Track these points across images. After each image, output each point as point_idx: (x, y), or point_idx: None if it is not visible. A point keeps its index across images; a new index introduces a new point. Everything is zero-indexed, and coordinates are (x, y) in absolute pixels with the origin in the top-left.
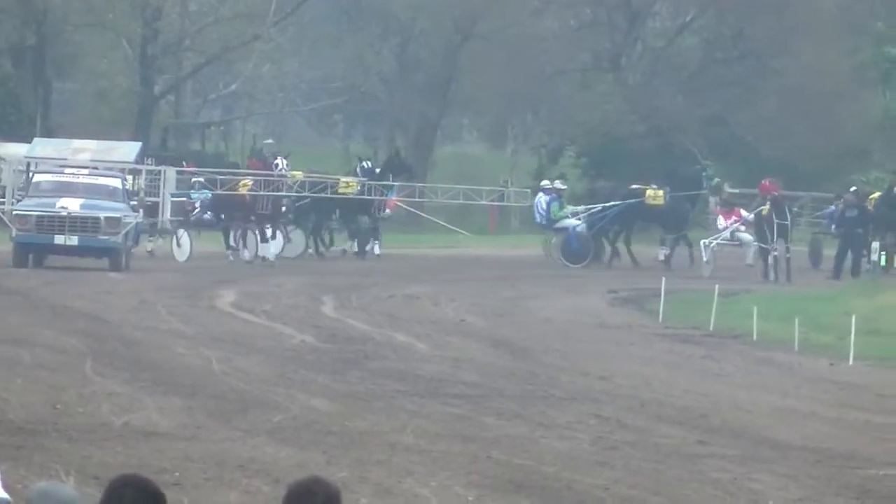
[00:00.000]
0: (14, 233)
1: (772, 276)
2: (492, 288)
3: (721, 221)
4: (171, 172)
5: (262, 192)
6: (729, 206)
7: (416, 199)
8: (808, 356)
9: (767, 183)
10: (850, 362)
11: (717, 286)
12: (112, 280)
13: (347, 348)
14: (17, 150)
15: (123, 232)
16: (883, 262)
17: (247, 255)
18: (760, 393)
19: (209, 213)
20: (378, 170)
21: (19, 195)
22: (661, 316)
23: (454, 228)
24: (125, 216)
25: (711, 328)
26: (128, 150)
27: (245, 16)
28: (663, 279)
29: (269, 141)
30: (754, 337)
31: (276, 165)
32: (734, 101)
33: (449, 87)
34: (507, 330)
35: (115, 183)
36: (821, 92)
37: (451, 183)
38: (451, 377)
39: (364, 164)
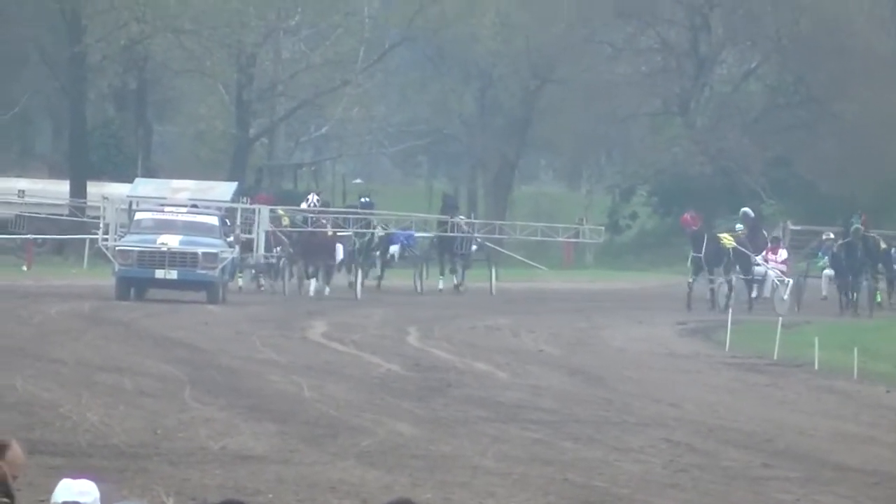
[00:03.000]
0: (117, 267)
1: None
2: (568, 319)
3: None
4: (264, 211)
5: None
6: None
7: (497, 236)
8: (867, 384)
9: (689, 217)
10: None
11: (780, 318)
12: (209, 312)
13: (431, 376)
14: (119, 189)
15: (220, 266)
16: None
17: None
18: (821, 419)
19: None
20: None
21: (122, 232)
22: (727, 346)
23: (532, 263)
24: (222, 251)
25: (775, 357)
26: (224, 189)
27: (334, 63)
28: (730, 311)
29: (358, 181)
30: (816, 366)
31: (308, 201)
32: (796, 142)
33: (527, 130)
34: (583, 359)
35: (212, 220)
36: (878, 133)
37: (529, 220)
38: (529, 404)
39: (363, 199)
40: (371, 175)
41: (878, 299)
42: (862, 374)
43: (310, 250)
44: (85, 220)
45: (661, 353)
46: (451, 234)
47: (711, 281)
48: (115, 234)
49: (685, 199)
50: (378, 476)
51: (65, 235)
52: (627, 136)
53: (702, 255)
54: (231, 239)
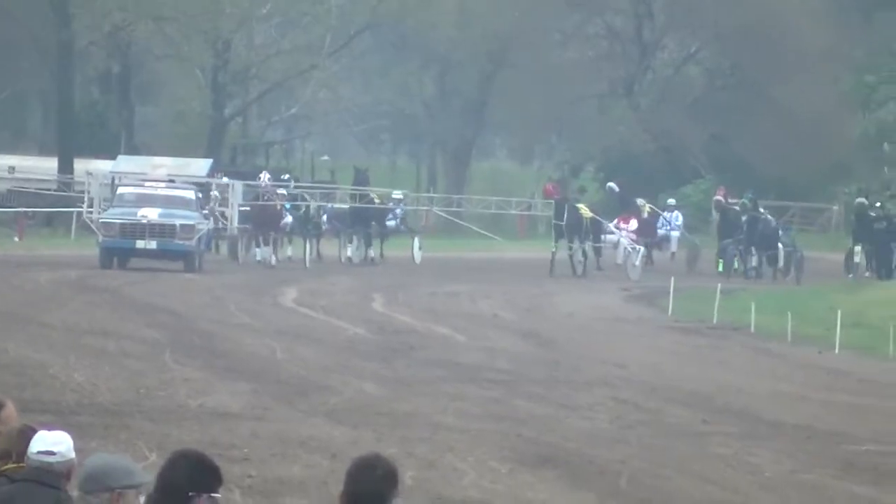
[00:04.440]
0: (101, 238)
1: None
2: (521, 287)
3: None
4: (238, 186)
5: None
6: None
7: (455, 209)
8: (800, 346)
9: (550, 187)
10: (837, 351)
11: (719, 285)
12: (187, 280)
13: (395, 339)
14: (103, 166)
15: (197, 237)
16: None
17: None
18: (758, 378)
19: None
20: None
21: (105, 205)
22: (670, 310)
23: (488, 234)
24: (198, 223)
25: (715, 321)
26: (200, 165)
27: (303, 48)
28: (672, 278)
29: (326, 157)
30: (752, 329)
31: (260, 179)
32: (733, 123)
33: (483, 111)
34: (535, 323)
35: (189, 195)
36: (809, 115)
37: (486, 194)
38: (486, 365)
39: (283, 177)
40: (337, 152)
41: (736, 266)
42: (795, 337)
43: (259, 222)
44: (72, 194)
45: (608, 317)
46: (364, 206)
47: (570, 248)
48: (99, 207)
49: (630, 175)
50: (345, 432)
51: (53, 208)
52: (576, 116)
53: (563, 223)
54: (206, 211)
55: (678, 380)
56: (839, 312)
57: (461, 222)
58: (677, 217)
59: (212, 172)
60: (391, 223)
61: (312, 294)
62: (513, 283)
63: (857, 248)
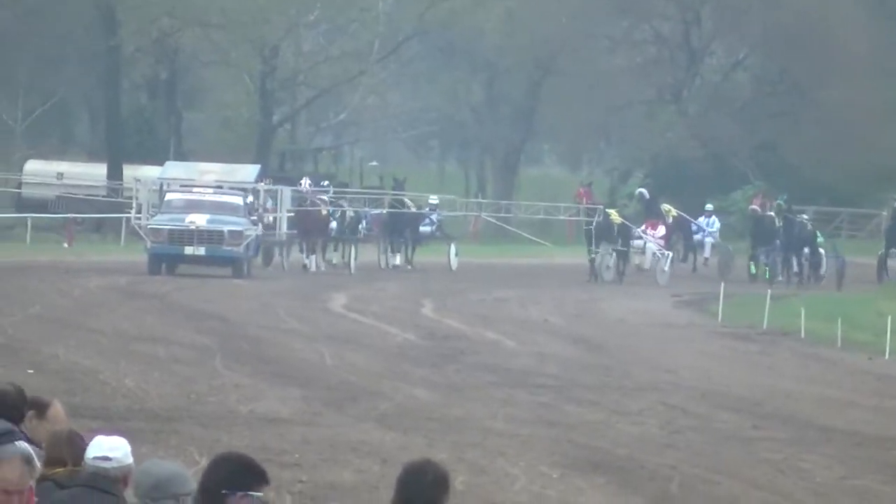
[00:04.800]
0: (149, 244)
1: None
2: (571, 292)
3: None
4: (286, 191)
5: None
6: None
7: (503, 214)
8: (849, 352)
9: (582, 191)
10: (886, 357)
11: (769, 291)
12: (236, 286)
13: (444, 345)
14: (151, 172)
15: (245, 243)
16: None
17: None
18: (807, 384)
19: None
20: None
21: (153, 211)
22: (720, 316)
23: (537, 240)
24: (246, 230)
25: (765, 327)
26: (248, 171)
27: (352, 55)
28: (722, 284)
29: (374, 163)
30: (802, 334)
31: (300, 185)
32: (781, 129)
33: (531, 117)
34: (585, 329)
35: (237, 200)
36: (857, 120)
37: (534, 200)
38: (535, 370)
39: (323, 183)
40: (386, 158)
41: (767, 276)
42: (845, 343)
43: (303, 228)
44: (121, 200)
45: (658, 323)
46: (399, 211)
47: (598, 253)
48: (148, 213)
49: (679, 181)
50: (395, 437)
51: (102, 214)
52: (624, 122)
53: (593, 227)
54: (254, 217)
55: (728, 385)
56: (889, 318)
57: (510, 228)
58: (714, 223)
59: (259, 178)
60: (426, 229)
61: (362, 300)
62: (562, 289)
63: (893, 251)
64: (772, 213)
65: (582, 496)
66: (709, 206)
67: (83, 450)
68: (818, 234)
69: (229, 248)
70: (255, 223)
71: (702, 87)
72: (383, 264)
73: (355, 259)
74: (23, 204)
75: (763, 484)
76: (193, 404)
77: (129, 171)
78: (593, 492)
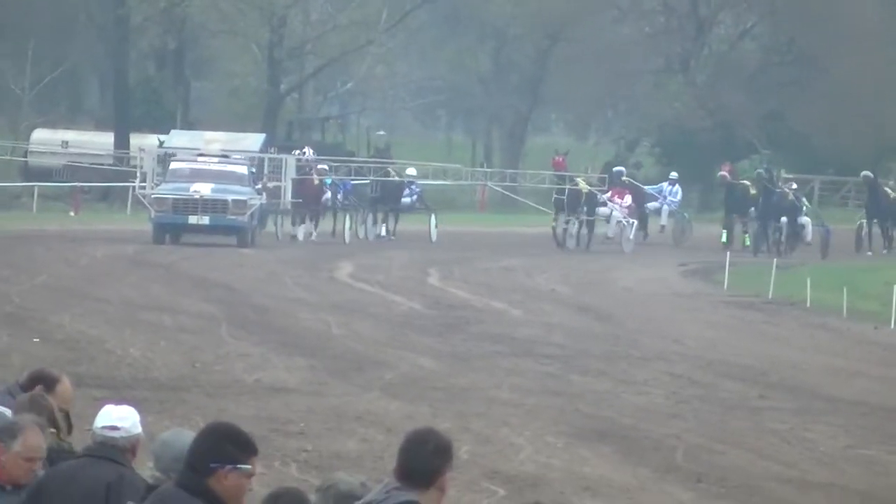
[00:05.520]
0: (153, 214)
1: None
2: (577, 261)
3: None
4: (291, 160)
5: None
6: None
7: (510, 184)
8: (855, 321)
9: (560, 160)
10: (892, 326)
11: (775, 260)
12: (242, 255)
13: (450, 314)
14: (155, 140)
15: (249, 213)
16: None
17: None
18: (813, 353)
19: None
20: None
21: (157, 180)
22: (725, 286)
23: (544, 209)
24: (250, 199)
25: (770, 296)
26: (253, 140)
27: (359, 24)
28: (728, 253)
29: (381, 133)
30: (808, 304)
31: (304, 154)
32: (789, 98)
33: (539, 86)
34: (592, 298)
35: (242, 170)
36: (865, 90)
37: (541, 170)
38: (542, 339)
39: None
40: (393, 128)
41: (747, 243)
42: (851, 312)
43: (298, 197)
44: (127, 169)
45: (665, 292)
46: (383, 180)
47: (567, 221)
48: (153, 182)
49: (686, 151)
50: (401, 406)
51: (109, 183)
52: (632, 92)
53: (564, 197)
54: (259, 187)
55: (734, 355)
56: (895, 288)
57: (517, 197)
58: (677, 192)
59: (265, 147)
60: (405, 200)
61: (368, 269)
62: (569, 258)
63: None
64: (745, 182)
65: (587, 465)
66: (673, 175)
67: (48, 411)
68: (805, 203)
69: (233, 217)
70: (259, 192)
71: (709, 57)
72: (361, 234)
73: (350, 229)
74: (30, 173)
75: (768, 453)
76: (199, 373)
77: (136, 140)
78: (598, 461)
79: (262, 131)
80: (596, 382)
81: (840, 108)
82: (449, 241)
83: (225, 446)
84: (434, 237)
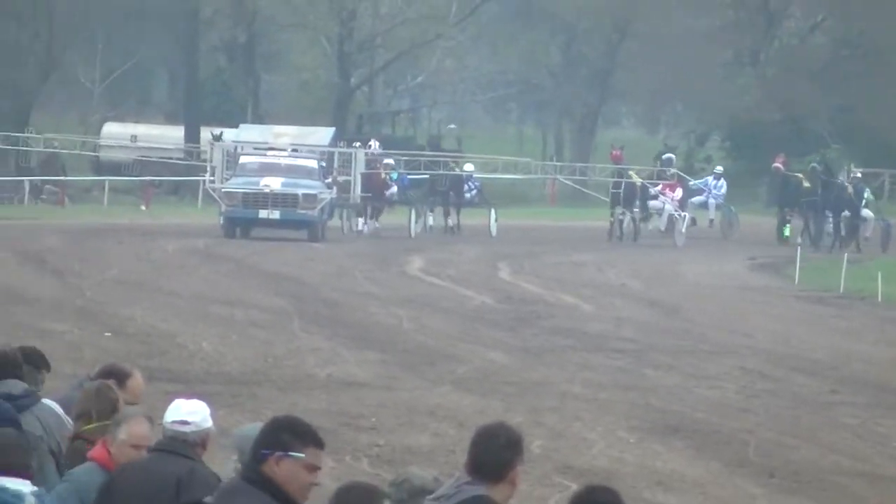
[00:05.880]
0: (223, 208)
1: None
2: (647, 255)
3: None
4: (360, 154)
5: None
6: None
7: (579, 177)
8: None
9: (617, 153)
10: None
11: (846, 254)
12: (313, 249)
13: (522, 308)
14: (226, 135)
15: (319, 207)
16: None
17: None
18: (885, 347)
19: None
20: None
21: (228, 174)
22: (796, 280)
23: None
24: (321, 193)
25: (841, 290)
26: (323, 134)
27: (429, 17)
28: (798, 248)
29: (452, 126)
30: (879, 298)
31: (370, 147)
32: (860, 92)
33: (609, 79)
34: (662, 292)
35: (312, 164)
36: None
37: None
38: (613, 334)
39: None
40: (464, 121)
41: (786, 234)
42: None
43: (364, 191)
44: (198, 163)
45: (735, 286)
46: (439, 174)
47: (622, 213)
48: (222, 176)
49: (756, 144)
50: (473, 401)
51: (180, 177)
52: (702, 85)
53: (621, 190)
54: (329, 181)
55: (805, 349)
56: None
57: (587, 191)
58: (722, 185)
59: (334, 141)
60: (466, 195)
61: (438, 263)
62: (639, 253)
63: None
64: (798, 174)
65: (659, 460)
66: (718, 169)
67: (112, 403)
68: (868, 196)
69: (304, 211)
70: (329, 186)
71: (780, 50)
72: (418, 229)
73: (415, 223)
74: (100, 167)
75: (840, 448)
76: (271, 368)
77: (207, 134)
78: (670, 456)
79: (331, 125)
80: (667, 377)
81: None
82: (519, 236)
83: (279, 434)
84: (494, 232)
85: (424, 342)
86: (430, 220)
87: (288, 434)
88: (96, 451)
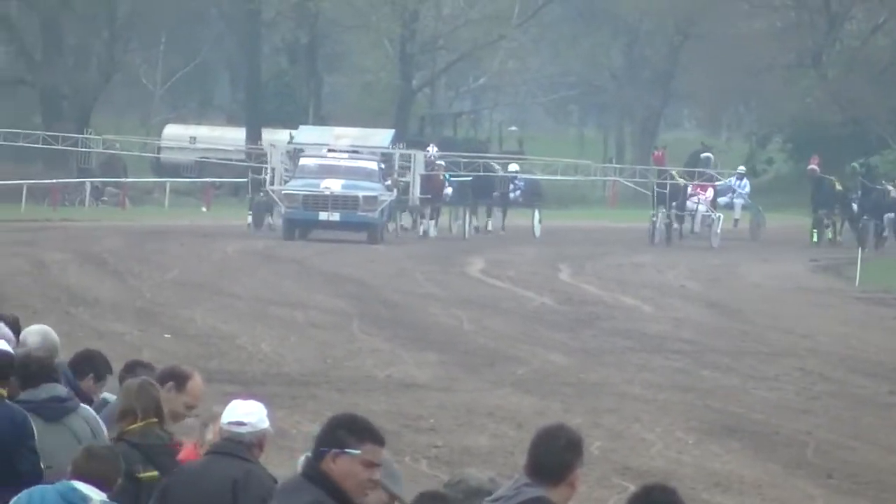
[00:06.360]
0: (284, 210)
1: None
2: (706, 257)
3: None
4: (419, 156)
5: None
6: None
7: (640, 180)
8: None
9: (659, 154)
10: None
11: (867, 255)
12: (373, 251)
13: (581, 310)
14: (285, 136)
15: (380, 209)
16: None
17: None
18: None
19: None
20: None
21: (287, 176)
22: (857, 281)
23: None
24: (381, 195)
25: None
26: (383, 136)
27: (492, 18)
28: (860, 249)
29: (514, 128)
30: None
31: (428, 152)
32: None
33: (670, 81)
34: (721, 293)
35: (372, 166)
36: None
37: (673, 165)
38: (672, 335)
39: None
40: (525, 123)
41: (829, 236)
42: None
43: (422, 193)
44: (259, 165)
45: (794, 287)
46: (482, 175)
47: (667, 215)
48: (281, 178)
49: (817, 146)
50: (532, 402)
51: (241, 178)
52: (763, 87)
53: (666, 191)
54: (389, 182)
55: (865, 351)
56: None
57: (647, 192)
58: (745, 185)
59: (394, 143)
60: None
61: (499, 264)
62: (698, 254)
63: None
64: (831, 177)
65: (718, 461)
66: (741, 169)
67: (155, 401)
68: None
69: (364, 213)
70: (389, 188)
71: (841, 52)
72: (455, 230)
73: (469, 224)
74: (161, 168)
75: None
76: (330, 369)
77: (268, 135)
78: (729, 457)
79: (393, 126)
80: (725, 378)
81: None
82: (579, 237)
83: (336, 431)
84: (538, 233)
85: (484, 343)
86: (475, 221)
87: (344, 431)
88: (186, 451)
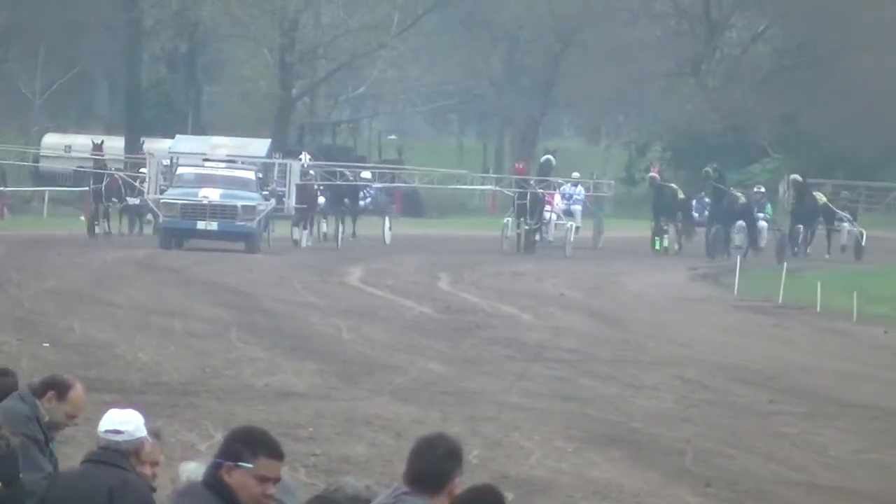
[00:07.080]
0: (161, 219)
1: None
2: (587, 266)
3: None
4: (295, 165)
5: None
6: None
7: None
8: (865, 325)
9: (520, 167)
10: None
11: (784, 264)
12: (253, 260)
13: (460, 319)
14: (162, 145)
15: (258, 218)
16: None
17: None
18: (823, 358)
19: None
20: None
21: (164, 185)
22: (735, 290)
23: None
24: (259, 204)
25: (780, 300)
26: (259, 145)
27: (371, 28)
28: (738, 258)
29: (393, 137)
30: (818, 308)
31: (300, 159)
32: (801, 101)
33: (550, 90)
34: (601, 302)
35: (250, 175)
36: (878, 93)
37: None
38: (551, 344)
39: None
40: (405, 132)
41: (666, 244)
42: (861, 317)
43: (299, 202)
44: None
45: (674, 296)
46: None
47: (528, 224)
48: (157, 187)
49: (697, 154)
50: (411, 411)
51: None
52: (644, 95)
53: (527, 201)
54: (266, 192)
55: (744, 359)
56: None
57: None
58: (581, 192)
59: (271, 153)
60: (361, 203)
61: (378, 273)
62: (578, 263)
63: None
64: (673, 185)
65: (597, 470)
66: (575, 174)
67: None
68: (767, 206)
69: (242, 223)
70: (266, 198)
71: (721, 60)
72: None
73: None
74: (40, 177)
75: (778, 458)
76: (209, 378)
77: (148, 145)
78: (608, 465)
79: (273, 135)
80: (605, 387)
81: (852, 110)
82: (458, 246)
83: (233, 444)
84: (388, 240)
85: (363, 352)
86: (324, 228)
87: (240, 444)
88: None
